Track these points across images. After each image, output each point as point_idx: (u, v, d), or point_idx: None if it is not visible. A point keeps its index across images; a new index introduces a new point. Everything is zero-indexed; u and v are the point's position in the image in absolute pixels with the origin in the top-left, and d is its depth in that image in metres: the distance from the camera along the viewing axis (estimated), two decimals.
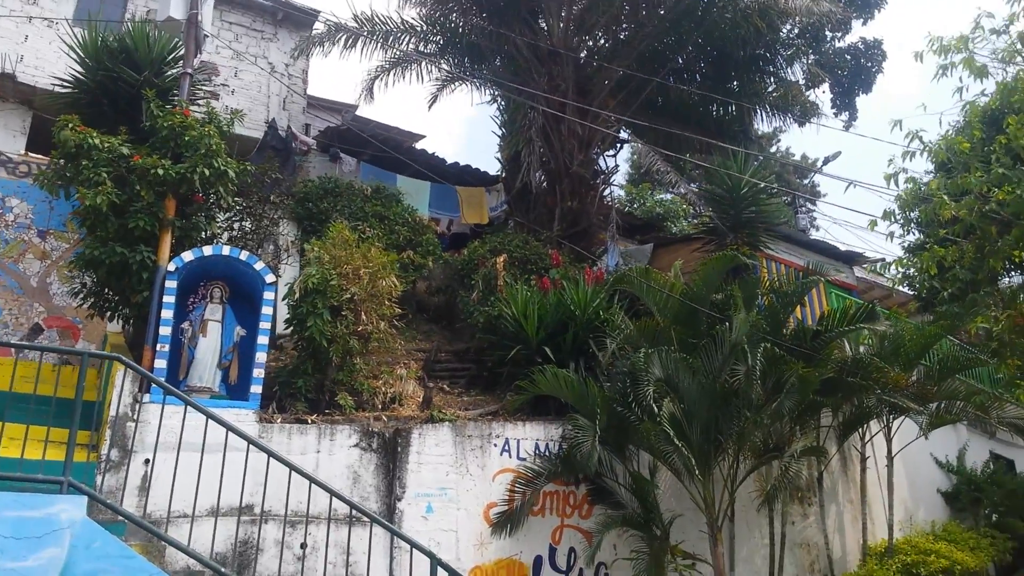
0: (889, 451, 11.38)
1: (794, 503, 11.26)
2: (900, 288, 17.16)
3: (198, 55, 9.64)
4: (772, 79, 17.38)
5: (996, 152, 10.06)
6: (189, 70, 9.34)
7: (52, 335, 10.18)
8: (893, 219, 10.66)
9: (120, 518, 6.29)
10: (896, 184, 10.15)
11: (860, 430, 11.43)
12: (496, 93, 16.86)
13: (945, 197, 9.59)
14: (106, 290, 8.67)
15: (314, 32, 15.65)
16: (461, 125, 62.29)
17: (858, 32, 47.49)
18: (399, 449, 8.82)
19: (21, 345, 7.51)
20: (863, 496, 11.36)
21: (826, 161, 24.33)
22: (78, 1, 13.37)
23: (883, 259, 12.00)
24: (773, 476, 9.81)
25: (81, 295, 8.83)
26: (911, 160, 9.95)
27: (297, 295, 9.14)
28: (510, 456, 9.45)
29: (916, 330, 11.98)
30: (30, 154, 11.18)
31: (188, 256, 8.35)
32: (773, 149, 26.86)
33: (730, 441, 9.39)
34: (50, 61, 12.16)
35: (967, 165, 10.16)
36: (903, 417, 11.33)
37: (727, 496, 9.55)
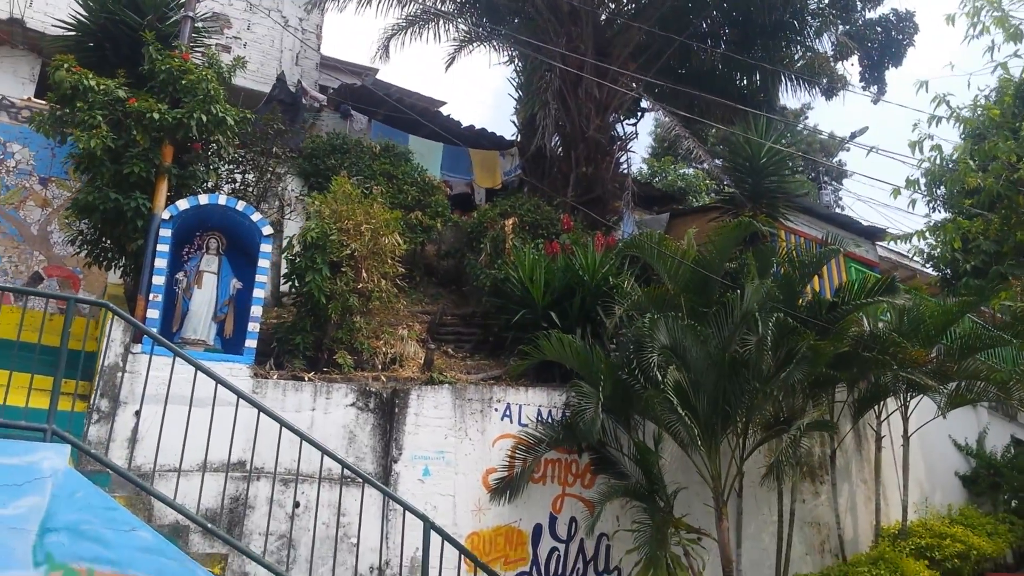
0: (905, 431, 11.03)
1: (805, 481, 10.99)
2: (923, 268, 16.75)
3: None
4: (799, 48, 16.85)
5: None
6: (190, 14, 9.10)
7: (52, 284, 10.04)
8: (916, 188, 10.27)
9: (106, 469, 6.16)
10: (921, 151, 9.76)
11: (876, 408, 11.10)
12: (513, 54, 16.47)
13: (971, 163, 9.21)
14: (103, 238, 8.50)
15: None
16: (488, 95, 61.52)
17: (890, 3, 46.34)
18: (396, 410, 8.62)
19: (5, 288, 7.34)
20: (877, 476, 11.07)
21: (852, 136, 23.84)
22: None
23: (906, 234, 11.58)
24: (782, 450, 9.52)
25: (78, 243, 8.66)
26: (937, 126, 9.54)
27: (296, 249, 8.92)
28: (511, 422, 9.24)
29: (937, 306, 11.60)
30: (32, 99, 11.00)
31: (183, 204, 8.14)
32: (800, 127, 26.32)
33: (739, 413, 9.09)
34: (60, 8, 11.86)
35: (996, 133, 9.76)
36: (921, 396, 10.98)
37: (735, 470, 9.28)
